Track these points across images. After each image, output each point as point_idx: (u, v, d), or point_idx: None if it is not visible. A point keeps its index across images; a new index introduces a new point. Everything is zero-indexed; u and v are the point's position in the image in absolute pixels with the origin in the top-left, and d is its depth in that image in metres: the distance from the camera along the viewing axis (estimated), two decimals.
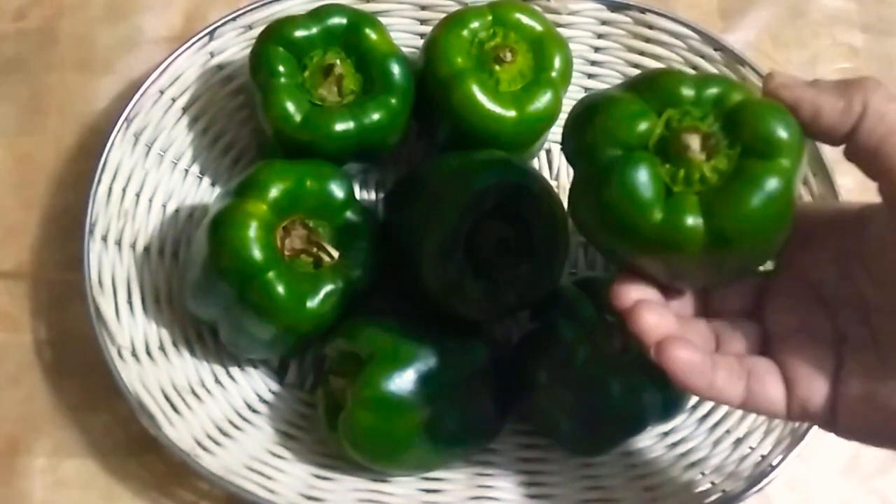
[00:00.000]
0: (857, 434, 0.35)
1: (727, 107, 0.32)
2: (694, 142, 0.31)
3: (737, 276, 0.36)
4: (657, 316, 0.34)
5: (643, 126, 0.32)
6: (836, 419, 0.34)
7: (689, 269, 0.34)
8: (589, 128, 0.33)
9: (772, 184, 0.30)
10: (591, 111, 0.33)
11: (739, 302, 0.37)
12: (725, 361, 0.34)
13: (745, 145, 0.31)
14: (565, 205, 0.41)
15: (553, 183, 0.55)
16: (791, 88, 0.32)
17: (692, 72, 0.54)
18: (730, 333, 0.36)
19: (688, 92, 0.32)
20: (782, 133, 0.31)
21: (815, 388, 0.34)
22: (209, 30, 0.50)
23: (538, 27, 0.48)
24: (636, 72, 0.55)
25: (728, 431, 0.48)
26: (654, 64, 0.55)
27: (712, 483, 0.46)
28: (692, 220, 0.31)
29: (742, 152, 0.31)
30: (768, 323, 0.37)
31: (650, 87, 0.33)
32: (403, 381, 0.42)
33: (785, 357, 0.35)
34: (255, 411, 0.49)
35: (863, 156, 0.32)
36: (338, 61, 0.46)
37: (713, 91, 0.32)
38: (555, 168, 0.56)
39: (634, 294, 0.34)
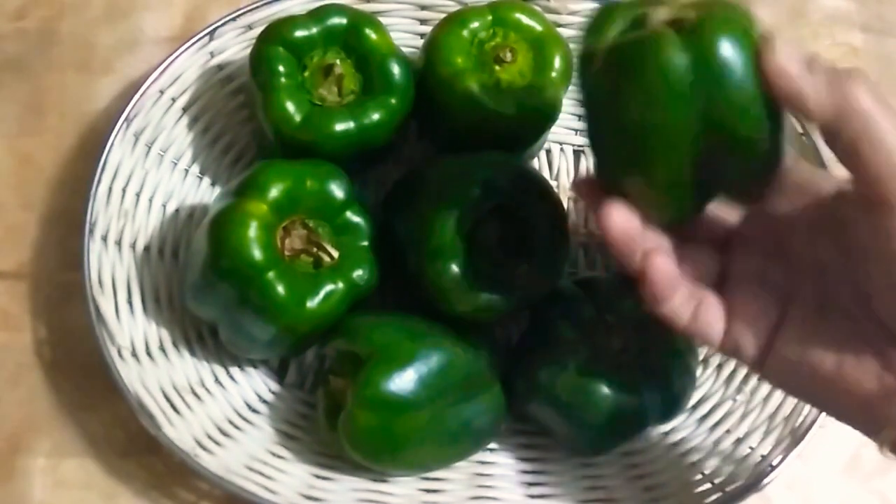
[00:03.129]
0: (781, 385, 0.38)
1: None
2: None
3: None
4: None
5: None
6: (763, 367, 0.36)
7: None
8: None
9: None
10: None
11: (709, 234, 0.39)
12: (684, 284, 0.36)
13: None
14: (565, 205, 0.41)
15: (553, 183, 0.55)
16: (788, 80, 0.31)
17: None
18: (692, 258, 0.38)
19: None
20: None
21: (751, 334, 0.36)
22: (209, 30, 0.50)
23: (538, 27, 0.48)
24: None
25: (728, 431, 0.48)
26: None
27: (712, 483, 0.46)
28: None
29: None
30: (729, 261, 0.38)
31: None
32: (403, 381, 0.42)
33: (733, 297, 0.37)
34: (255, 411, 0.49)
35: (838, 148, 0.31)
36: (338, 61, 0.46)
37: None
38: (555, 168, 0.56)
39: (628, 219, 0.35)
